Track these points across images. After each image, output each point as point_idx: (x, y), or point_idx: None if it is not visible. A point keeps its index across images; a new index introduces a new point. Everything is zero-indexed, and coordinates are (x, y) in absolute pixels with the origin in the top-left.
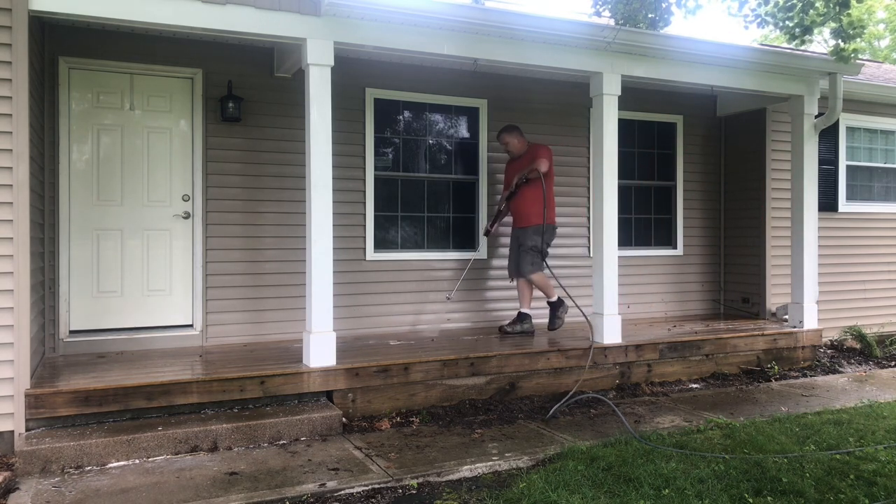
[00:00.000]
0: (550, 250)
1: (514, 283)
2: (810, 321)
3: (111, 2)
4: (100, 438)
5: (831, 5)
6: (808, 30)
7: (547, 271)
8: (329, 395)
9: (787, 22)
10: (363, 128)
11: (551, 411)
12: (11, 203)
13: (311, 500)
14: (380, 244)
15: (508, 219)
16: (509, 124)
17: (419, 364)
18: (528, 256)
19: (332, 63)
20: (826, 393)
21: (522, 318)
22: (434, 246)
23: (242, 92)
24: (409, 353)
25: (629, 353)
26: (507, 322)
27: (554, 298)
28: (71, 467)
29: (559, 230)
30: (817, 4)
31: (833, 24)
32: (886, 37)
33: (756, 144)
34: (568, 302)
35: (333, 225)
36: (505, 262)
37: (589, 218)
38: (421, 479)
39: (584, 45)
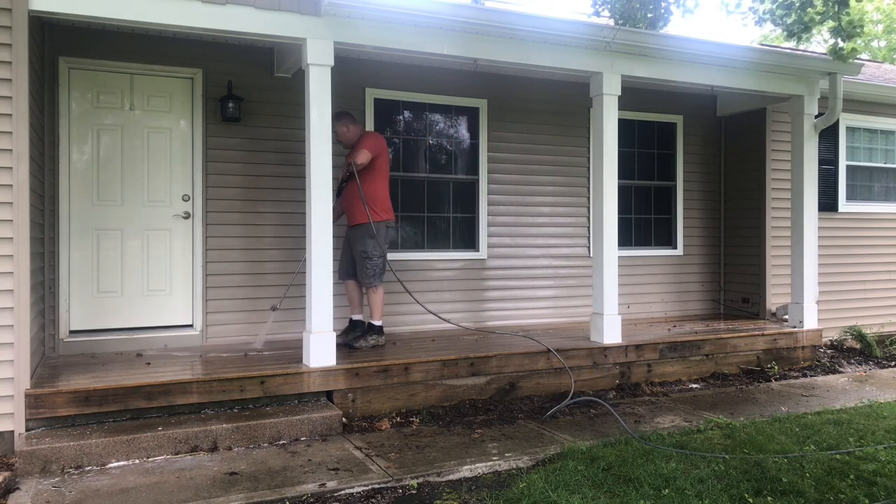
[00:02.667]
0: (552, 251)
1: (343, 284)
2: (810, 321)
3: (111, 2)
4: (100, 438)
5: (830, 4)
6: (807, 28)
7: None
8: (329, 395)
9: (785, 20)
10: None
11: (549, 412)
12: (11, 203)
13: (311, 500)
14: None
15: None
16: (339, 111)
17: (419, 364)
18: (364, 265)
19: (332, 63)
20: (826, 393)
21: (355, 325)
22: (434, 246)
23: (242, 92)
24: (409, 353)
25: (629, 353)
26: (345, 333)
27: (377, 323)
28: (71, 467)
29: (557, 230)
30: (816, 2)
31: (832, 24)
32: (882, 38)
33: (756, 144)
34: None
35: (333, 225)
36: (503, 263)
37: (589, 218)
38: (421, 479)
39: (584, 45)
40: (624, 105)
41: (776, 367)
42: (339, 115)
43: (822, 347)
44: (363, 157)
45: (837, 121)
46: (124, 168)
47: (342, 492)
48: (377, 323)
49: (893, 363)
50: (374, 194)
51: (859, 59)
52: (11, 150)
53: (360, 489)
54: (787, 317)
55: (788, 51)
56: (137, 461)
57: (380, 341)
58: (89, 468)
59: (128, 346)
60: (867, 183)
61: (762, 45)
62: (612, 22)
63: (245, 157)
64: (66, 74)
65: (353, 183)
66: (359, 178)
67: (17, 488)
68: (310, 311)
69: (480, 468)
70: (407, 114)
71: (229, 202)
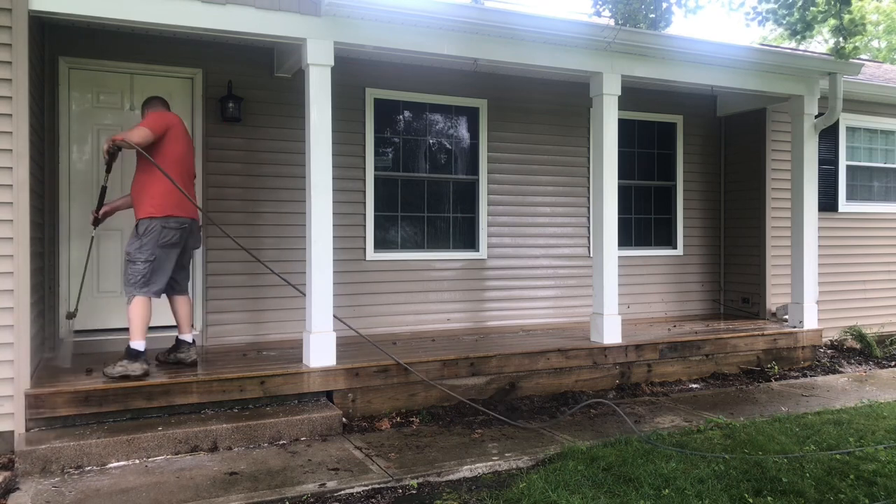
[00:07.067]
0: (552, 251)
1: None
2: (810, 321)
3: (111, 2)
4: (100, 438)
5: (832, 2)
6: (809, 26)
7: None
8: (329, 395)
9: (787, 18)
10: (363, 128)
11: (549, 420)
12: (11, 203)
13: (311, 500)
14: (380, 244)
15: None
16: (151, 97)
17: (419, 364)
18: (126, 269)
19: (332, 63)
20: (826, 393)
21: (180, 345)
22: (434, 246)
23: (242, 92)
24: (409, 353)
25: (629, 353)
26: (168, 352)
27: (134, 345)
28: (71, 467)
29: (557, 230)
30: (818, 1)
31: (834, 21)
32: (883, 39)
33: (756, 144)
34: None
35: (333, 225)
36: (503, 262)
37: (589, 218)
38: (421, 479)
39: (585, 45)
40: (624, 105)
41: (776, 367)
42: (151, 101)
43: (822, 347)
44: (136, 135)
45: (837, 121)
46: (124, 168)
47: (342, 492)
48: (134, 346)
49: (893, 363)
50: (149, 184)
51: (859, 59)
52: (11, 150)
53: (360, 489)
54: (787, 317)
55: (789, 51)
56: (137, 461)
57: (130, 369)
58: (89, 468)
59: None
60: (867, 183)
61: (762, 45)
62: (612, 22)
63: (245, 157)
64: (66, 74)
65: (137, 172)
66: (155, 162)
67: (17, 488)
68: (310, 311)
69: (480, 468)
70: (407, 114)
71: (229, 202)
